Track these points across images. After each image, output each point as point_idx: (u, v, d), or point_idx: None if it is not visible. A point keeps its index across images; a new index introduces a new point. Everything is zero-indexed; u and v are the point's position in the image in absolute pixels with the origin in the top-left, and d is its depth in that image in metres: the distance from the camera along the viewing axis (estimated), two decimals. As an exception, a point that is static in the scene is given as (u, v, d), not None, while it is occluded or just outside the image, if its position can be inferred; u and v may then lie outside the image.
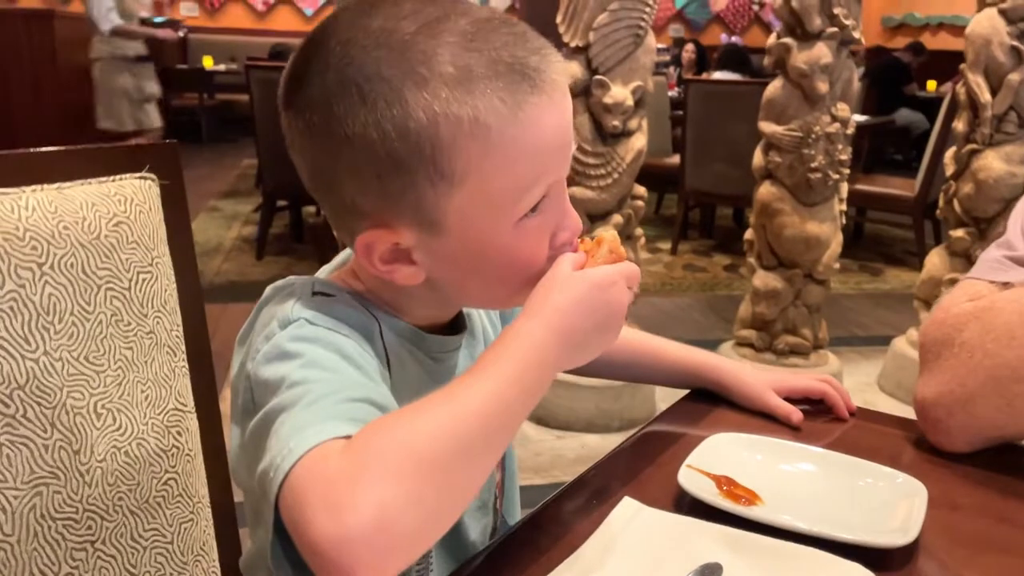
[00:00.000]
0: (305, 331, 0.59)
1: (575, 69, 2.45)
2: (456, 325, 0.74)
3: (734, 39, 8.84)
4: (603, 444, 0.83)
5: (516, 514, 0.84)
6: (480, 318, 0.79)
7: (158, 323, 0.82)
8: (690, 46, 7.60)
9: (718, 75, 5.79)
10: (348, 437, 0.49)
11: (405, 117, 0.56)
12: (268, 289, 0.68)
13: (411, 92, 0.56)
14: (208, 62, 7.86)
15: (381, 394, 0.56)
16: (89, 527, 0.76)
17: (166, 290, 0.83)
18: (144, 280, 0.80)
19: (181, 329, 0.85)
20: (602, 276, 0.62)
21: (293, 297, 0.64)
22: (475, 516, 0.75)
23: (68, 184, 0.76)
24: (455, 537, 0.73)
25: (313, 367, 0.56)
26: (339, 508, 0.45)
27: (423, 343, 0.69)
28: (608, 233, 0.67)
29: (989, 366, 0.79)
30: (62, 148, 0.79)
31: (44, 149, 0.79)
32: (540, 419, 2.67)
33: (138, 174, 0.82)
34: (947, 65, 5.56)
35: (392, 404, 0.57)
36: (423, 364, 0.69)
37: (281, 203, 4.40)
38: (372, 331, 0.64)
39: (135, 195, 0.81)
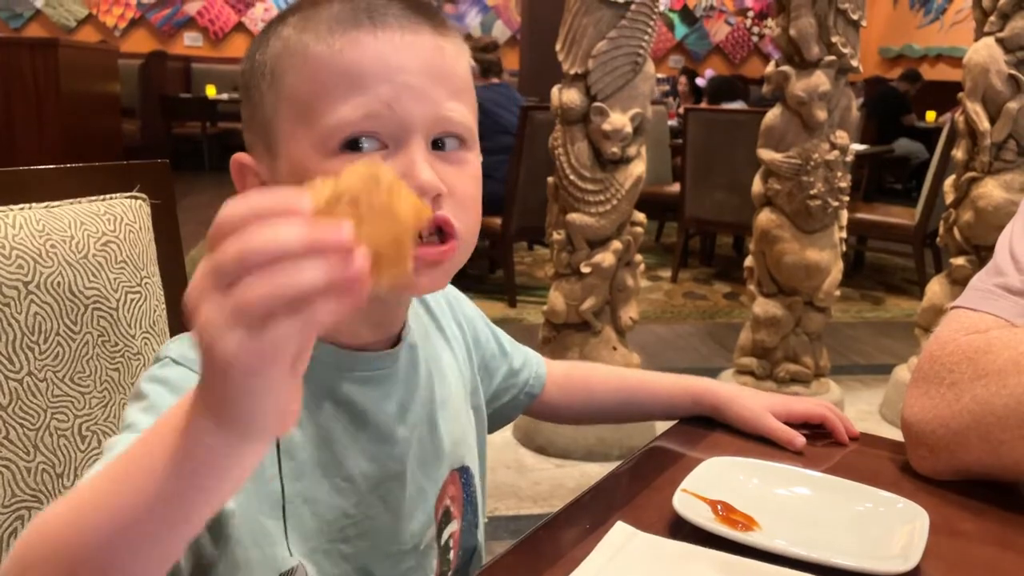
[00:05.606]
0: (165, 371, 0.59)
1: (574, 95, 2.46)
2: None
3: (708, 73, 8.76)
4: (603, 473, 0.81)
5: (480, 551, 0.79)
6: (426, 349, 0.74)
7: (146, 344, 0.81)
8: (683, 77, 7.64)
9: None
10: None
11: (270, 42, 0.64)
12: None
13: (282, 25, 0.64)
14: (211, 91, 7.94)
15: None
16: (71, 552, 0.74)
17: (155, 311, 0.82)
18: (132, 300, 0.79)
19: (170, 350, 0.84)
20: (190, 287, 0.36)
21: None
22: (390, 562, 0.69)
23: (56, 203, 0.76)
24: None
25: (148, 413, 0.56)
26: None
27: (347, 363, 0.66)
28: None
29: (976, 411, 0.75)
30: (52, 167, 0.79)
31: (34, 167, 0.78)
32: (540, 448, 2.64)
33: (128, 193, 0.82)
34: (946, 96, 5.59)
35: None
36: (329, 393, 0.65)
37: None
38: None
39: (125, 214, 0.80)
